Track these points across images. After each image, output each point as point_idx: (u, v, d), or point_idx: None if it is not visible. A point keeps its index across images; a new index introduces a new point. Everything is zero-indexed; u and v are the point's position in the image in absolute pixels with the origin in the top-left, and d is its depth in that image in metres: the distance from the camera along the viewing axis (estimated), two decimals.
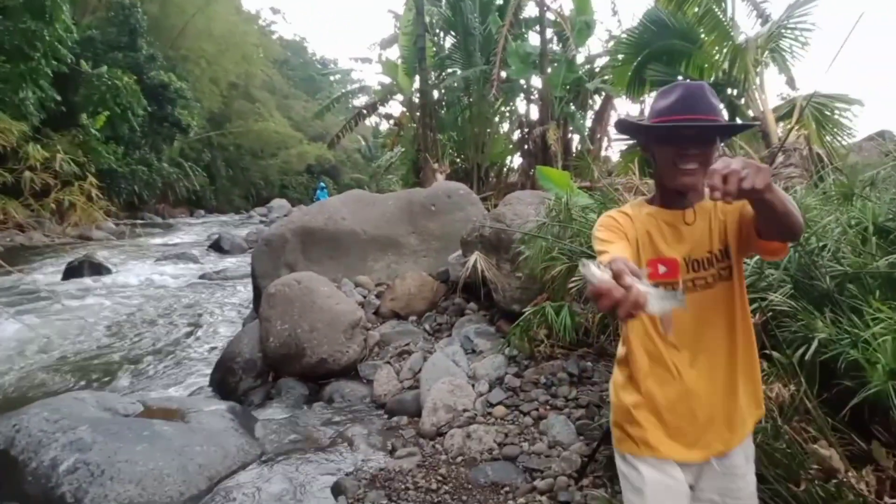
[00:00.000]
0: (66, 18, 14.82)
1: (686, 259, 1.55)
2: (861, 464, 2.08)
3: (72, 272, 10.88)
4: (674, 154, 1.49)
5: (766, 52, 6.27)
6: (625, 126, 1.76)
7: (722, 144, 1.65)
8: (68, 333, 6.94)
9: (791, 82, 6.87)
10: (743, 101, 6.15)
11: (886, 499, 1.59)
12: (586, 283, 1.07)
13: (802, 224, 1.35)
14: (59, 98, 16.01)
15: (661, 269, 1.52)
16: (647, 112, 1.67)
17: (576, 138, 12.08)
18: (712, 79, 6.66)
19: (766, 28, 6.33)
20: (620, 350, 1.68)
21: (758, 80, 5.93)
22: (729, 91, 6.27)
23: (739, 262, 1.59)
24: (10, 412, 3.89)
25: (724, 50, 6.22)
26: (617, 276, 1.03)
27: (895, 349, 2.09)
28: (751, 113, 5.98)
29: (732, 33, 6.10)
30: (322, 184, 27.43)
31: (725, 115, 1.56)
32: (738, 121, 6.37)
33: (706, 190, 1.57)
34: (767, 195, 1.15)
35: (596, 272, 1.04)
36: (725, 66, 6.26)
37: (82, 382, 5.38)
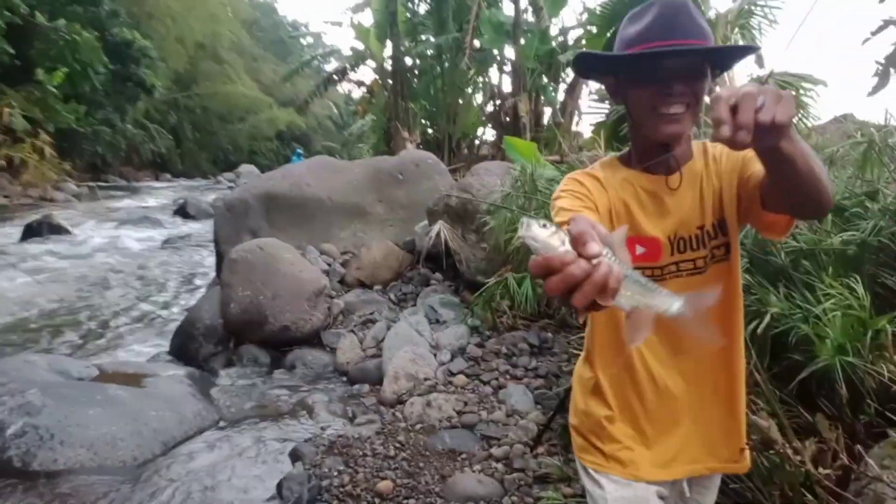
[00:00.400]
0: None
1: (671, 237, 1.23)
2: (806, 435, 2.13)
3: (30, 233, 10.57)
4: (653, 95, 1.14)
5: (736, 29, 6.27)
6: (587, 62, 1.34)
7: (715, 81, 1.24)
8: (22, 295, 6.74)
9: (760, 61, 6.89)
10: None
11: (820, 468, 1.62)
12: (529, 252, 0.69)
13: (832, 194, 0.98)
14: (12, 51, 15.31)
15: (639, 249, 1.22)
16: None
17: (548, 112, 12.05)
18: None
19: (736, 4, 6.33)
20: (587, 342, 1.39)
21: None
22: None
23: (737, 237, 1.26)
24: None
25: None
26: (577, 242, 0.66)
27: (844, 325, 2.13)
28: (718, 89, 6.01)
29: (703, 8, 6.09)
30: (299, 150, 26.94)
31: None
32: (706, 100, 6.41)
33: (695, 145, 1.27)
34: (786, 144, 0.82)
35: (542, 234, 0.67)
36: None
37: (35, 345, 5.24)
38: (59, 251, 9.48)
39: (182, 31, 32.26)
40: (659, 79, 1.12)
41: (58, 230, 10.82)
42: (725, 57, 1.25)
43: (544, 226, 0.68)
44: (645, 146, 1.24)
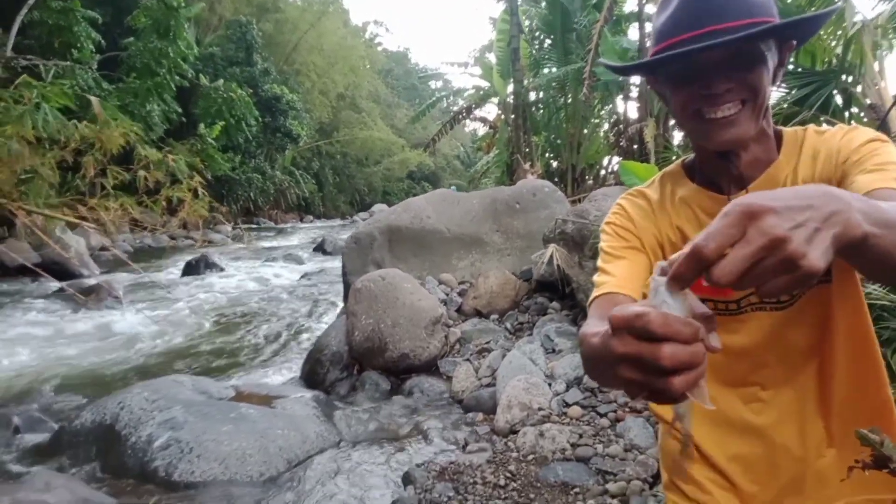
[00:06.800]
0: (187, 37, 16.27)
1: None
2: None
3: (189, 269, 11.81)
4: (695, 97, 0.91)
5: (890, 32, 5.68)
6: (613, 72, 1.14)
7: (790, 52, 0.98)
8: (179, 324, 7.50)
9: None
10: (860, 88, 5.60)
11: None
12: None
13: None
14: (180, 110, 17.55)
15: (704, 282, 1.04)
16: None
17: (678, 136, 11.56)
18: (825, 65, 6.13)
19: (889, 6, 5.73)
20: None
21: (876, 65, 5.38)
22: (844, 78, 5.74)
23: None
24: (117, 391, 4.26)
25: (839, 32, 5.70)
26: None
27: None
28: (868, 101, 5.44)
29: (846, 14, 5.59)
30: (454, 186, 27.64)
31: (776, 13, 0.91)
32: (855, 110, 5.83)
33: (788, 137, 1.02)
34: (860, 249, 0.58)
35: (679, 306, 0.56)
36: (839, 51, 5.74)
37: (185, 367, 5.79)
38: (212, 285, 10.49)
39: (325, 84, 35.01)
40: (696, 77, 0.90)
41: (212, 267, 11.99)
42: (778, 31, 0.91)
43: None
44: (703, 157, 1.04)
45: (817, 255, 0.51)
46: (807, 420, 1.04)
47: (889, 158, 0.87)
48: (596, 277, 1.05)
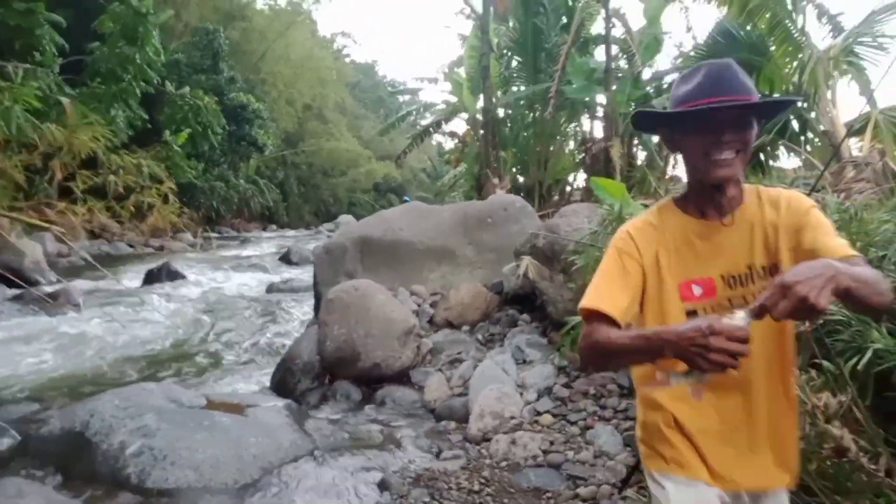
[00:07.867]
0: (155, 43, 16.02)
1: (724, 275, 1.39)
2: None
3: (151, 277, 11.52)
4: (706, 143, 1.32)
5: (842, 65, 6.04)
6: (645, 119, 1.55)
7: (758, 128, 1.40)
8: (145, 332, 7.37)
9: (868, 95, 6.56)
10: (813, 114, 5.94)
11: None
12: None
13: (888, 299, 1.16)
14: (146, 117, 17.23)
15: (697, 290, 1.39)
16: None
17: (642, 156, 11.91)
18: (783, 92, 6.47)
19: (840, 39, 6.11)
20: (640, 370, 1.54)
21: (829, 94, 5.73)
22: (799, 104, 6.08)
23: None
24: (87, 398, 4.19)
25: (795, 63, 6.04)
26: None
27: None
28: (822, 127, 5.77)
29: (804, 45, 5.93)
30: (407, 198, 27.78)
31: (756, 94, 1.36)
32: (810, 135, 6.16)
33: (748, 189, 1.44)
34: (847, 294, 1.09)
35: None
36: (796, 78, 6.08)
37: (151, 375, 5.71)
38: (176, 294, 10.27)
39: (292, 94, 34.68)
40: (710, 129, 1.31)
41: (175, 276, 11.70)
42: (770, 109, 1.49)
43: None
44: (699, 190, 1.42)
45: (824, 301, 1.03)
46: (752, 405, 1.39)
47: (828, 222, 1.36)
48: (591, 286, 1.42)
